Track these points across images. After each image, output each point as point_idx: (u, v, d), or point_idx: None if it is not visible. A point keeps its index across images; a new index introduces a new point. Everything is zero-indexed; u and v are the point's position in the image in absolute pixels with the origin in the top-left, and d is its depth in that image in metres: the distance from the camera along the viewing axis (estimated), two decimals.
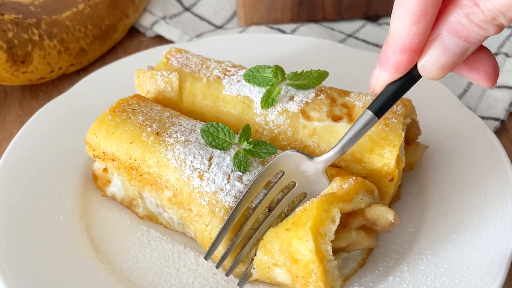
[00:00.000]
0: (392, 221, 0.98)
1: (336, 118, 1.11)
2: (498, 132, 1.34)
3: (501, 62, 1.47)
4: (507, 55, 1.49)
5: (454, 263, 1.03)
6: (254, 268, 1.01)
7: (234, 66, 1.24)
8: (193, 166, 1.04)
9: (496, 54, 1.51)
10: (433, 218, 1.11)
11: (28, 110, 1.43)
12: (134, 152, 1.07)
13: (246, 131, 1.07)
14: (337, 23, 1.65)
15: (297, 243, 0.94)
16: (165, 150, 1.06)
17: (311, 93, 1.15)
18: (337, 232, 0.96)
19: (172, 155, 1.05)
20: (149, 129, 1.09)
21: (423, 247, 1.07)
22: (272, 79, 1.15)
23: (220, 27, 1.68)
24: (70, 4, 1.49)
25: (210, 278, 1.06)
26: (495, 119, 1.34)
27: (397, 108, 1.11)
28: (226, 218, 1.00)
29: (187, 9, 1.73)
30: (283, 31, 1.61)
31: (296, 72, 1.16)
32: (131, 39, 1.66)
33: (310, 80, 1.15)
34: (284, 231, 0.96)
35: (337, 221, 0.95)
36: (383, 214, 0.98)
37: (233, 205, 1.01)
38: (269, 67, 1.16)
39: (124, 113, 1.11)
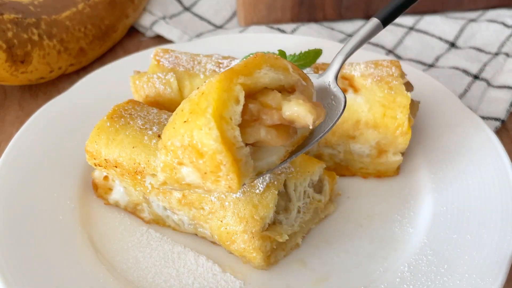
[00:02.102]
0: (311, 127, 0.86)
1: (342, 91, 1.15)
2: (499, 132, 1.34)
3: (501, 62, 1.47)
4: (507, 55, 1.49)
5: (454, 264, 1.02)
6: (159, 171, 0.91)
7: (224, 58, 1.26)
8: None
9: (497, 54, 1.51)
10: (433, 218, 1.11)
11: (28, 110, 1.43)
12: (138, 156, 1.07)
13: None
14: (337, 23, 1.65)
15: (198, 134, 0.82)
16: None
17: (309, 71, 1.19)
18: (243, 125, 0.85)
19: None
20: (150, 132, 1.09)
21: (424, 247, 1.07)
22: None
23: (220, 27, 1.68)
24: (70, 4, 1.48)
25: (210, 278, 1.05)
26: (496, 119, 1.34)
27: (392, 70, 1.17)
28: None
29: (187, 9, 1.73)
30: (283, 31, 1.61)
31: (295, 54, 1.20)
32: (131, 39, 1.65)
33: (308, 59, 1.20)
34: (182, 123, 0.85)
35: (242, 100, 0.84)
36: (301, 117, 0.86)
37: (240, 196, 1.01)
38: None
39: (122, 119, 1.11)
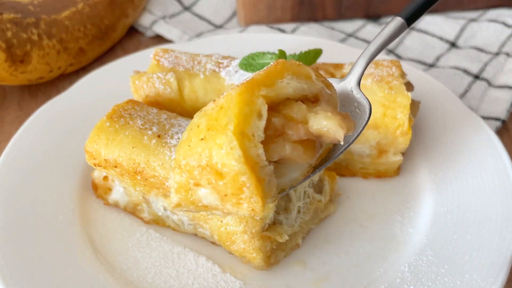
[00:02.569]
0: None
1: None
2: (499, 132, 1.33)
3: (502, 62, 1.47)
4: (508, 55, 1.48)
5: (455, 264, 1.02)
6: (173, 193, 0.84)
7: (224, 57, 1.25)
8: None
9: (497, 53, 1.50)
10: (433, 218, 1.11)
11: (27, 110, 1.43)
12: (138, 156, 1.06)
13: None
14: (337, 22, 1.65)
15: (218, 153, 0.75)
16: (169, 152, 1.05)
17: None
18: (266, 142, 0.78)
19: None
20: (149, 132, 1.08)
21: (424, 247, 1.06)
22: None
23: (220, 27, 1.68)
24: (69, 3, 1.48)
25: (209, 279, 1.05)
26: (496, 119, 1.34)
27: (393, 70, 1.16)
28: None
29: (186, 8, 1.72)
30: (283, 31, 1.61)
31: (295, 53, 1.20)
32: (131, 38, 1.65)
33: (308, 59, 1.19)
34: (199, 141, 0.77)
35: (265, 115, 0.77)
36: (331, 132, 0.78)
37: None
38: (263, 53, 1.18)
39: (122, 119, 1.11)
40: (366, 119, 0.89)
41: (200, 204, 0.82)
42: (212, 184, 0.78)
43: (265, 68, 0.81)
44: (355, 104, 0.91)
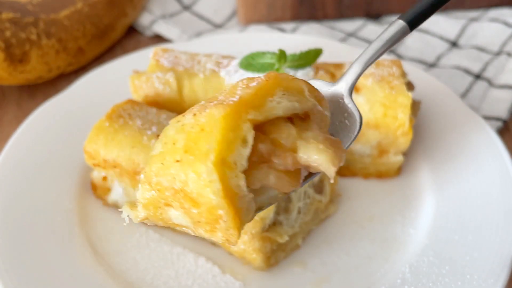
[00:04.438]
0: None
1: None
2: (501, 132, 1.33)
3: (503, 62, 1.46)
4: (509, 54, 1.48)
5: (456, 265, 1.02)
6: (141, 207, 0.76)
7: (224, 57, 1.25)
8: None
9: (499, 53, 1.50)
10: (434, 219, 1.10)
11: (26, 110, 1.42)
12: (137, 156, 1.06)
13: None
14: (338, 21, 1.64)
15: (195, 182, 0.67)
16: None
17: (310, 71, 1.18)
18: (250, 168, 0.70)
19: None
20: (149, 132, 1.08)
21: (425, 248, 1.06)
22: (271, 65, 1.17)
23: (220, 26, 1.67)
24: (68, 3, 1.47)
25: (209, 280, 1.05)
26: (497, 119, 1.34)
27: (393, 70, 1.16)
28: None
29: (186, 8, 1.72)
30: (283, 30, 1.60)
31: (295, 53, 1.19)
32: (130, 38, 1.64)
33: (308, 59, 1.18)
34: (173, 162, 0.69)
35: (250, 141, 0.68)
36: (322, 169, 0.71)
37: None
38: (263, 53, 1.18)
39: (121, 119, 1.10)
40: (355, 134, 0.82)
41: (170, 222, 0.75)
42: (184, 209, 0.71)
43: (254, 84, 0.73)
44: (345, 114, 0.84)
